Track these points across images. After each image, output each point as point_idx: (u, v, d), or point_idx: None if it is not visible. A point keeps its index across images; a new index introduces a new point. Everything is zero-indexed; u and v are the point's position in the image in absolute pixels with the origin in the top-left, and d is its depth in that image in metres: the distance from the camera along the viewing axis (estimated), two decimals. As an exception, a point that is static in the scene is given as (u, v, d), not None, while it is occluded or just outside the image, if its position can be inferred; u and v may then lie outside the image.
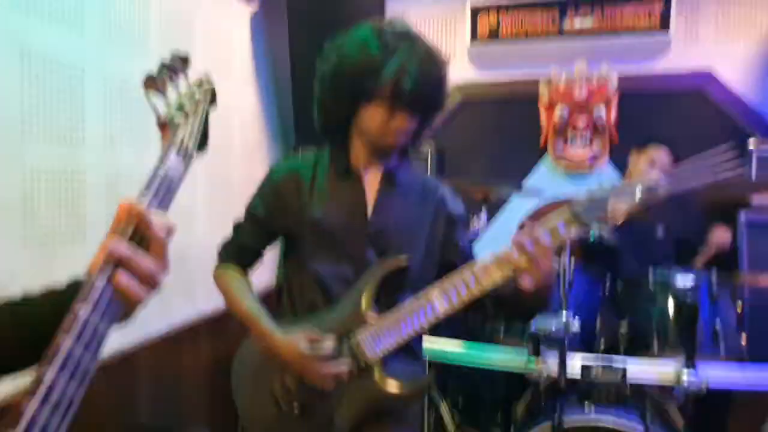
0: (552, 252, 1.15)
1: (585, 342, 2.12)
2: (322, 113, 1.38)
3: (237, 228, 1.47)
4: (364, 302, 1.28)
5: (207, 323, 2.46)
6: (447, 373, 2.80)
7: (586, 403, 1.93)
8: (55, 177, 1.65)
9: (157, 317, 2.15)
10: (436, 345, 2.21)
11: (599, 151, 3.27)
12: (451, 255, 1.41)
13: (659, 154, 2.68)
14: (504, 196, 3.22)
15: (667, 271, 2.07)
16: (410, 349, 1.34)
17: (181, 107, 0.82)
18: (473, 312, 1.34)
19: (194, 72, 0.87)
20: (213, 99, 0.88)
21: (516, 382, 2.34)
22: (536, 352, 1.90)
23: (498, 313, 1.38)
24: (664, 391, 2.01)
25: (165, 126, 0.81)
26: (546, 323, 1.85)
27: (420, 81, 1.24)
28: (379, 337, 1.26)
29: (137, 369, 2.06)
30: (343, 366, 1.24)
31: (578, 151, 3.28)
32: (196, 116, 0.83)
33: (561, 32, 3.24)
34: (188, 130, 0.80)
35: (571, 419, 1.83)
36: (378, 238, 1.35)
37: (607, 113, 3.23)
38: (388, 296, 1.31)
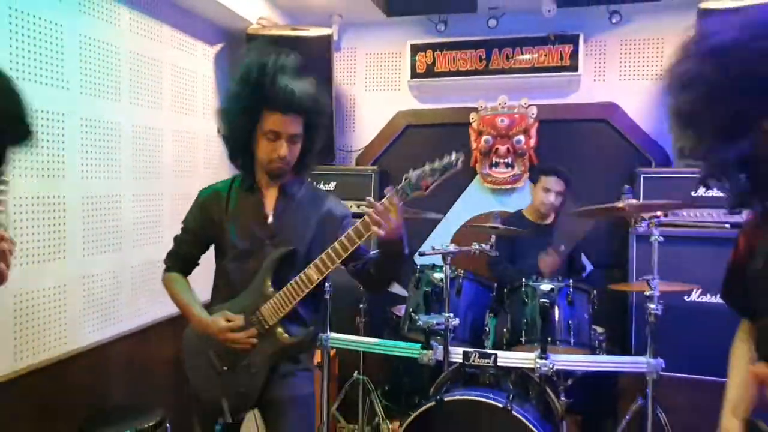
0: (396, 210, 1.61)
1: (476, 337, 2.63)
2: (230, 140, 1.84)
3: (176, 239, 1.95)
4: (264, 283, 1.76)
5: (173, 321, 2.94)
6: (378, 367, 3.32)
7: (466, 385, 2.43)
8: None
9: (128, 315, 2.64)
10: (358, 339, 2.74)
11: (519, 171, 3.77)
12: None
13: (550, 182, 3.20)
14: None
15: (537, 280, 2.58)
16: (301, 319, 1.81)
17: None
18: (358, 278, 1.83)
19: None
20: None
21: (430, 372, 2.83)
22: (427, 343, 2.40)
23: (374, 275, 1.78)
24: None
25: None
26: (431, 319, 2.36)
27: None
28: (276, 306, 1.74)
29: (111, 358, 2.54)
30: (251, 332, 1.74)
31: (501, 171, 3.79)
32: None
33: (487, 69, 3.76)
34: None
35: (451, 396, 2.32)
36: (275, 237, 1.80)
37: (526, 139, 3.72)
38: (282, 277, 1.76)
